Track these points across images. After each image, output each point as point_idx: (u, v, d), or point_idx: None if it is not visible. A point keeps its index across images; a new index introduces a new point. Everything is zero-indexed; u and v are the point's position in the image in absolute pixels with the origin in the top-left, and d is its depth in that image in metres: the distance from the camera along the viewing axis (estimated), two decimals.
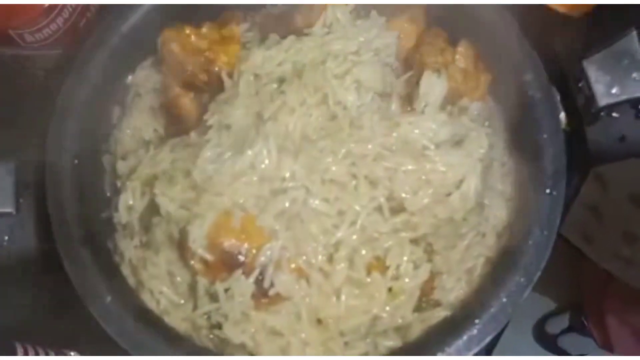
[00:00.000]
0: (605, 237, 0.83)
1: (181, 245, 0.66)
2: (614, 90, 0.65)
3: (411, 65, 0.75)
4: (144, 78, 0.77)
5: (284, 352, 0.64)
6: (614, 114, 0.66)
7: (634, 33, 0.64)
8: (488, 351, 0.71)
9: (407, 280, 0.66)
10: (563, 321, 1.40)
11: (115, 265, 0.68)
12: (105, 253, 0.68)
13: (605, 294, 1.13)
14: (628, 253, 0.80)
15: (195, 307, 0.66)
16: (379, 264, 0.66)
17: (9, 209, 0.66)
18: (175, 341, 0.64)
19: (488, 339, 0.62)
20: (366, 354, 0.66)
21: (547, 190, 0.66)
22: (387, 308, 0.66)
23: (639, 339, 1.08)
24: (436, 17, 0.75)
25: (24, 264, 0.67)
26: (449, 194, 0.67)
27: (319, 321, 0.66)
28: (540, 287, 0.93)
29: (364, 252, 0.66)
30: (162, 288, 0.67)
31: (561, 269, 0.93)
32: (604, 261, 0.84)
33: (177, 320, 0.67)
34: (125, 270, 0.68)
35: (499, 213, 0.70)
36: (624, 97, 0.65)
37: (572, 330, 1.36)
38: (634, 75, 0.64)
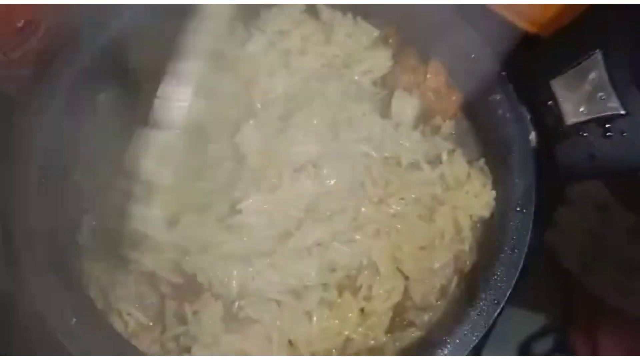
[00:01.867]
0: (603, 264, 0.83)
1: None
2: (581, 109, 0.66)
3: (384, 85, 0.75)
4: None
5: None
6: (583, 133, 0.66)
7: (599, 54, 0.65)
8: None
9: (379, 301, 0.66)
10: (548, 342, 1.39)
11: (83, 287, 0.66)
12: (73, 274, 0.66)
13: (597, 317, 1.13)
14: (625, 281, 0.81)
15: (164, 330, 0.65)
16: (350, 283, 0.66)
17: None
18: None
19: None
20: None
21: (517, 208, 0.66)
22: (360, 329, 0.65)
23: None
24: (406, 36, 0.76)
25: None
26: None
27: (290, 343, 0.65)
28: (525, 306, 0.93)
29: (336, 272, 0.65)
30: (130, 310, 0.66)
31: (547, 289, 0.93)
32: (602, 291, 0.84)
33: (146, 343, 0.66)
34: (93, 293, 0.67)
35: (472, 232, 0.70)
36: (591, 116, 0.65)
37: (557, 352, 1.35)
38: (600, 94, 0.65)
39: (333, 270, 0.65)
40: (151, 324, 0.66)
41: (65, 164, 0.69)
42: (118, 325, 0.65)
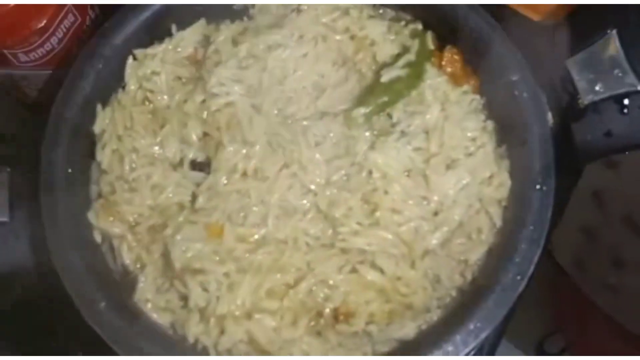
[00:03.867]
0: (595, 262, 0.83)
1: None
2: (597, 88, 0.67)
3: None
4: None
5: None
6: (599, 110, 0.67)
7: (614, 32, 0.66)
8: None
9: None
10: (561, 340, 1.38)
11: (110, 272, 0.67)
12: (100, 259, 0.67)
13: (587, 323, 1.12)
14: (615, 281, 0.80)
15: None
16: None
17: (3, 218, 0.66)
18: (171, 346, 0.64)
19: (484, 335, 0.61)
20: None
21: (537, 186, 0.67)
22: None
23: None
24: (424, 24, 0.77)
25: (18, 273, 0.67)
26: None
27: None
28: (541, 306, 0.93)
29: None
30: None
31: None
32: (593, 291, 0.84)
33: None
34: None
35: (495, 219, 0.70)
36: (607, 94, 0.66)
37: (568, 351, 1.34)
38: (616, 71, 0.66)
39: None
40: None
41: (91, 153, 0.71)
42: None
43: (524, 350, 1.39)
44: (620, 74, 0.66)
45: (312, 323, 0.66)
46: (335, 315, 0.66)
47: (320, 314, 0.66)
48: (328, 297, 0.66)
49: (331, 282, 0.66)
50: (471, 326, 0.62)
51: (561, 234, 0.80)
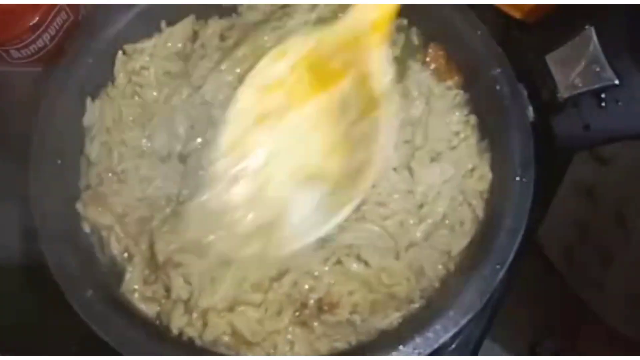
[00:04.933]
0: (584, 257, 0.84)
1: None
2: (575, 82, 0.69)
3: None
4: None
5: None
6: (578, 105, 0.69)
7: (591, 28, 0.68)
8: None
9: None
10: (555, 342, 1.38)
11: (98, 262, 0.68)
12: (88, 248, 0.69)
13: (579, 327, 1.12)
14: (600, 277, 0.81)
15: None
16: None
17: None
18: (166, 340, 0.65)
19: (464, 321, 0.62)
20: None
21: (517, 178, 0.68)
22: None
23: None
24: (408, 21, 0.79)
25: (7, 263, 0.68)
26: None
27: None
28: (533, 308, 0.94)
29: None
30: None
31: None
32: (579, 287, 0.84)
33: None
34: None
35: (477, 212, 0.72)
36: (585, 88, 0.68)
37: (563, 352, 1.35)
38: (594, 66, 0.68)
39: None
40: None
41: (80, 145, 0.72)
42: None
43: (516, 354, 1.40)
44: (597, 69, 0.67)
45: (297, 314, 0.66)
46: (320, 306, 0.67)
47: (304, 305, 0.67)
48: (313, 288, 0.67)
49: (316, 273, 0.67)
50: (451, 313, 0.63)
51: (551, 228, 0.82)
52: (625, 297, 0.79)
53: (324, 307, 0.67)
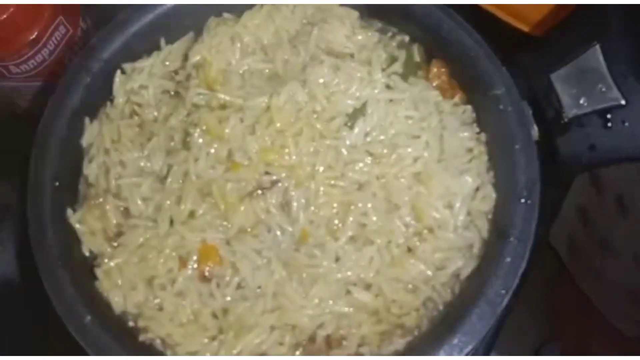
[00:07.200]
0: (586, 245, 0.82)
1: None
2: (581, 102, 0.68)
3: None
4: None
5: None
6: (583, 124, 0.67)
7: (597, 47, 0.67)
8: None
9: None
10: (558, 347, 1.38)
11: (95, 285, 0.68)
12: (85, 273, 0.68)
13: (585, 326, 1.11)
14: (599, 264, 0.80)
15: None
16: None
17: None
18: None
19: (469, 349, 0.61)
20: None
21: (522, 200, 0.67)
22: None
23: None
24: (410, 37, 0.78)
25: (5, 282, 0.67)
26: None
27: None
28: (538, 313, 0.93)
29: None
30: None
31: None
32: (581, 278, 0.84)
33: None
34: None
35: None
36: (591, 108, 0.67)
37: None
38: (600, 86, 0.67)
39: None
40: None
41: (78, 167, 0.71)
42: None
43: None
44: (603, 89, 0.66)
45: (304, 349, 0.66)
46: (329, 342, 0.66)
47: (312, 340, 0.66)
48: (322, 324, 0.66)
49: (327, 310, 0.66)
50: (455, 341, 0.62)
51: (559, 219, 0.81)
52: (626, 293, 0.78)
53: (332, 342, 0.65)
